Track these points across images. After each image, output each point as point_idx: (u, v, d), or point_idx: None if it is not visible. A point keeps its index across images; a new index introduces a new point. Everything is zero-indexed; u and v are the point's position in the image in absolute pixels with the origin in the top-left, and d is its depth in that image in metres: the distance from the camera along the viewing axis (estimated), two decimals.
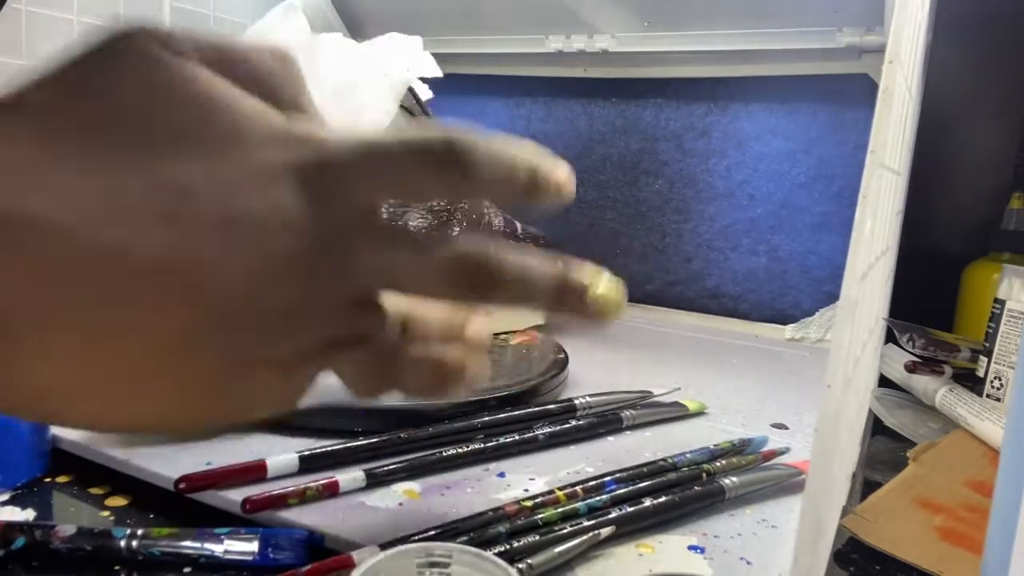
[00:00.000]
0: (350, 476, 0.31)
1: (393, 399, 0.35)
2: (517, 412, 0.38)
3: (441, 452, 0.34)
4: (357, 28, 0.81)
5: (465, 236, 0.21)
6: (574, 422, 0.39)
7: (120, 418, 0.19)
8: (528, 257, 0.22)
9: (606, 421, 0.40)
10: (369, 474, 0.31)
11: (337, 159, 0.19)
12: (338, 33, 0.38)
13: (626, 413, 0.40)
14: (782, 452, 0.36)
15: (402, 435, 0.34)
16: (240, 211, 0.18)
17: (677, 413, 0.43)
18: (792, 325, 0.69)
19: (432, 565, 0.22)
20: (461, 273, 0.21)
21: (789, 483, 0.34)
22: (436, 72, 0.46)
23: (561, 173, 0.22)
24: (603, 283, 0.23)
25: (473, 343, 0.26)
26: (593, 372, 0.51)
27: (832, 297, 0.68)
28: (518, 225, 0.51)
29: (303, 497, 0.29)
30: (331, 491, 0.30)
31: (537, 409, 0.39)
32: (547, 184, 0.21)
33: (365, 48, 0.38)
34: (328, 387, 0.38)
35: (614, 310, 0.23)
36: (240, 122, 0.19)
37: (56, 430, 0.34)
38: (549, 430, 0.37)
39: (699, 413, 0.44)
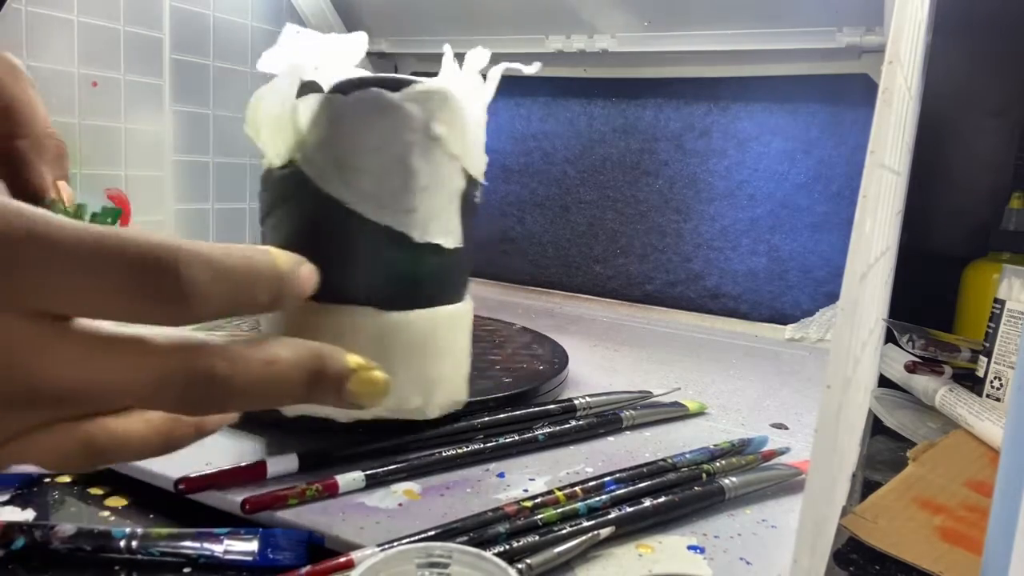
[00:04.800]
0: (349, 477, 0.31)
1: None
2: (517, 412, 0.38)
3: (441, 452, 0.34)
4: (357, 29, 0.81)
5: (184, 340, 0.18)
6: (574, 422, 0.39)
7: None
8: (270, 353, 0.19)
9: (606, 421, 0.40)
10: (369, 475, 0.31)
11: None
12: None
13: (626, 413, 0.40)
14: (782, 452, 0.36)
15: (406, 438, 0.34)
16: None
17: (677, 413, 0.43)
18: (792, 325, 0.69)
19: (432, 565, 0.22)
20: (172, 389, 0.18)
21: (789, 483, 0.34)
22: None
23: (302, 274, 0.20)
24: (366, 370, 0.21)
25: None
26: (593, 372, 0.51)
27: (832, 297, 0.68)
28: None
29: (303, 497, 0.29)
30: (331, 491, 0.30)
31: (537, 409, 0.39)
32: (287, 294, 0.20)
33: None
34: None
35: (380, 394, 0.21)
36: None
37: None
38: (548, 430, 0.37)
39: (699, 413, 0.44)
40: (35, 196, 0.33)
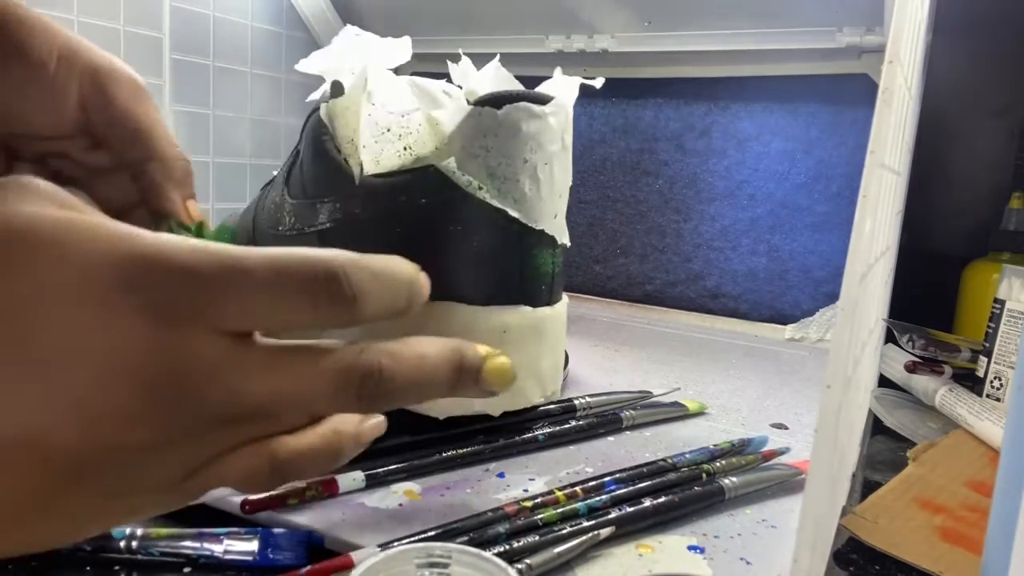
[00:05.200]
0: (349, 477, 0.31)
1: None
2: (517, 413, 0.38)
3: (441, 452, 0.34)
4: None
5: (348, 345, 0.20)
6: (573, 422, 0.39)
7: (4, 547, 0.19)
8: (418, 350, 0.21)
9: (606, 421, 0.40)
10: (369, 475, 0.31)
11: (180, 268, 0.18)
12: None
13: (625, 413, 0.40)
14: (782, 452, 0.36)
15: (405, 439, 0.34)
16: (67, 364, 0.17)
17: (677, 413, 0.43)
18: (792, 325, 0.69)
19: (432, 566, 0.22)
20: (350, 388, 0.20)
21: (789, 483, 0.34)
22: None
23: (423, 279, 0.22)
24: (494, 357, 0.23)
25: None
26: (593, 372, 0.51)
27: (832, 297, 0.68)
28: None
29: (302, 497, 0.29)
30: (330, 491, 0.30)
31: (537, 410, 0.39)
32: (416, 299, 0.22)
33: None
34: None
35: (509, 380, 0.23)
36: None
37: None
38: (548, 430, 0.37)
39: (699, 413, 0.44)
40: (165, 216, 0.34)
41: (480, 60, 0.44)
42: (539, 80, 0.40)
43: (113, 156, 0.34)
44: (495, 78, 0.41)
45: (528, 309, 0.36)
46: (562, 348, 0.40)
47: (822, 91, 0.67)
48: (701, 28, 0.67)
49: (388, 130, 0.35)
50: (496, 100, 0.34)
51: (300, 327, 0.20)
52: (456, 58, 0.44)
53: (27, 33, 0.30)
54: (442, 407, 0.35)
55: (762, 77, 0.69)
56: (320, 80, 0.39)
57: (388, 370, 0.20)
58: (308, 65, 0.39)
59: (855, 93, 0.65)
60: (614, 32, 0.71)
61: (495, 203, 0.34)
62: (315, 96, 0.41)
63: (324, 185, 0.38)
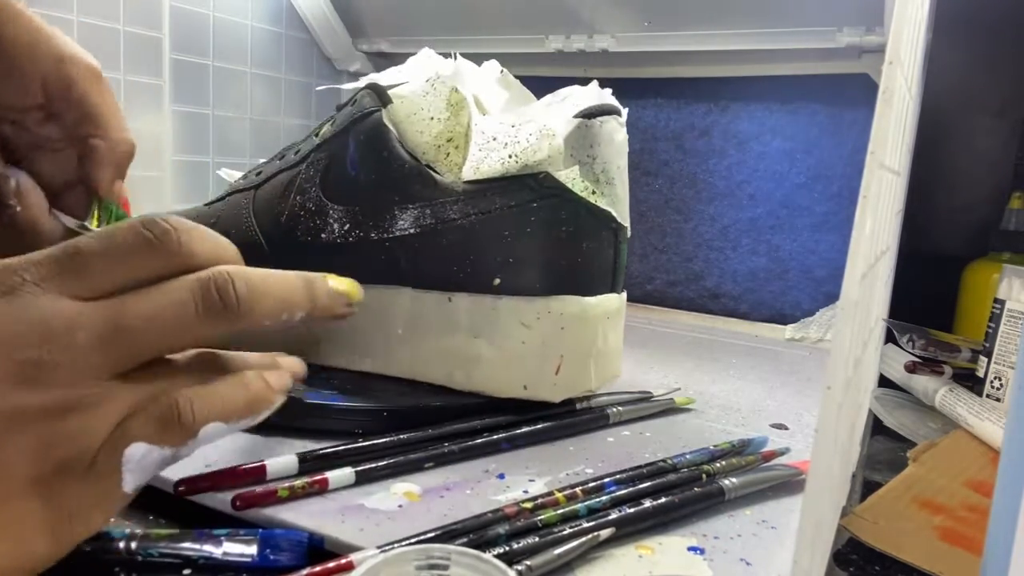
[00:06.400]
0: (339, 473, 0.31)
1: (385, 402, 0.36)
2: (517, 413, 0.38)
3: (441, 453, 0.34)
4: (357, 29, 0.81)
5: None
6: (558, 420, 0.39)
7: None
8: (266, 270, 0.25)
9: (593, 419, 0.40)
10: (359, 471, 0.31)
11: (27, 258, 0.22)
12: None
13: (612, 410, 0.41)
14: (782, 452, 0.36)
15: (402, 436, 0.34)
16: None
17: (663, 407, 0.43)
18: (792, 325, 0.69)
19: (431, 567, 0.22)
20: (210, 295, 0.23)
21: (789, 484, 0.34)
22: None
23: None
24: (334, 279, 0.28)
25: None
26: None
27: (832, 297, 0.68)
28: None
29: (292, 491, 0.29)
30: (320, 486, 0.30)
31: (536, 411, 0.39)
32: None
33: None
34: (329, 388, 0.38)
35: (357, 288, 0.29)
36: None
37: None
38: (529, 429, 0.37)
39: (687, 408, 0.44)
40: (96, 192, 0.40)
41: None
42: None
43: (64, 130, 0.39)
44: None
45: (616, 296, 0.41)
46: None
47: (822, 91, 0.67)
48: (701, 28, 0.67)
49: (494, 139, 0.38)
50: (596, 112, 0.39)
51: (145, 278, 0.23)
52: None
53: (2, 21, 0.35)
54: (500, 388, 0.38)
55: (762, 77, 0.69)
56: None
57: (239, 274, 0.24)
58: (385, 78, 0.42)
59: (855, 93, 0.65)
60: (614, 32, 0.71)
61: (602, 205, 0.38)
62: (350, 85, 0.43)
63: (400, 191, 0.38)
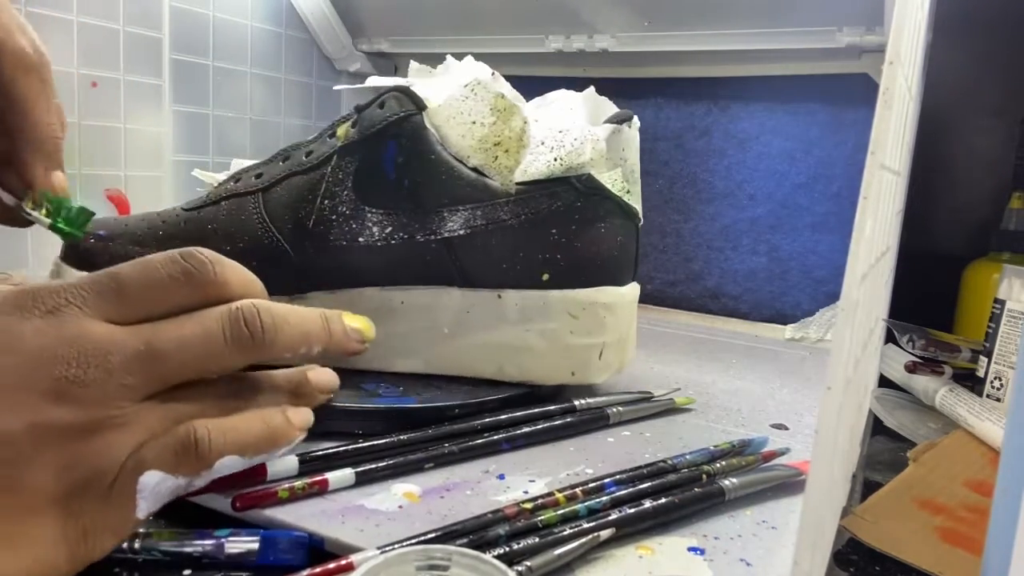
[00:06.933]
0: (339, 474, 0.31)
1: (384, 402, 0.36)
2: (517, 414, 0.38)
3: (441, 453, 0.34)
4: (357, 29, 0.81)
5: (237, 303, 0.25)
6: (560, 420, 0.39)
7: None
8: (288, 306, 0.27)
9: (593, 419, 0.40)
10: (359, 472, 0.31)
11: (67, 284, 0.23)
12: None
13: (612, 410, 0.41)
14: (782, 453, 0.36)
15: (402, 437, 0.34)
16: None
17: (663, 407, 0.43)
18: (792, 325, 0.69)
19: (431, 568, 0.22)
20: (236, 324, 0.25)
21: (789, 484, 0.34)
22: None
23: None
24: (349, 317, 0.29)
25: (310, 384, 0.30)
26: None
27: (832, 297, 0.68)
28: None
29: (292, 492, 0.29)
30: (320, 487, 0.30)
31: (537, 411, 0.39)
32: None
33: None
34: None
35: (369, 326, 0.30)
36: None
37: None
38: (529, 429, 0.37)
39: (687, 408, 0.44)
40: (27, 184, 0.39)
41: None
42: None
43: None
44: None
45: (637, 285, 0.45)
46: None
47: (822, 91, 0.67)
48: (701, 28, 0.67)
49: (542, 143, 0.40)
50: (623, 119, 0.43)
51: (179, 306, 0.24)
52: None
53: None
54: (550, 376, 0.41)
55: (762, 77, 0.69)
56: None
57: (265, 308, 0.25)
58: (416, 85, 0.42)
59: (855, 93, 0.65)
60: (614, 32, 0.71)
61: (632, 203, 0.42)
62: (375, 81, 0.44)
63: (449, 193, 0.39)
